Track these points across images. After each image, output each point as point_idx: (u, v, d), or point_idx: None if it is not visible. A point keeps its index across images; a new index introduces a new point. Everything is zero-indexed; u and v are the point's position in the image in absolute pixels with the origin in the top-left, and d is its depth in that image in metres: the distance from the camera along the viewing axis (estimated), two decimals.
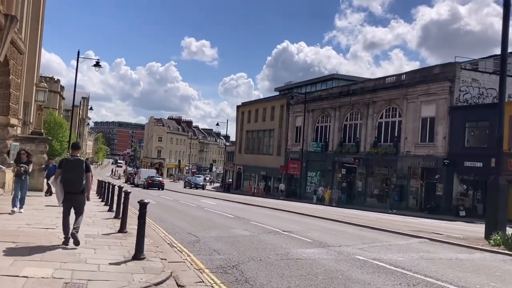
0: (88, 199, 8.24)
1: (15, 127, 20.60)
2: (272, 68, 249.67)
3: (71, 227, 7.78)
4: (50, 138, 25.01)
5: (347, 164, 37.44)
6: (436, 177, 30.11)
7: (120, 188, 12.63)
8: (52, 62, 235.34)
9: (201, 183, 59.50)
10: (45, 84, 23.71)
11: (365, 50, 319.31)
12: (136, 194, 20.17)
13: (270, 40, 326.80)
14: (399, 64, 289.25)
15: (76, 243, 7.62)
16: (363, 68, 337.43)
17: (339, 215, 18.61)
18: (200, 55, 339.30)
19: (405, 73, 34.59)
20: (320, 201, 36.38)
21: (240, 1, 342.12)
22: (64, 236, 7.87)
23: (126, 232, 10.04)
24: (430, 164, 30.83)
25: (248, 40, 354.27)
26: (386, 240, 11.06)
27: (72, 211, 7.99)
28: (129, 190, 10.44)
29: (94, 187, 26.92)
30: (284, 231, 11.93)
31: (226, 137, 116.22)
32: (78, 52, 32.40)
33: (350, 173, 38.30)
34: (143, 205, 7.32)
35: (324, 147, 42.20)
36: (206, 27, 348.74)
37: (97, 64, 32.47)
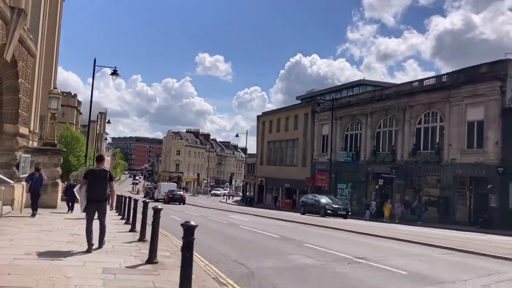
0: (112, 208, 8.90)
1: (25, 137, 18.44)
2: (285, 81, 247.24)
3: (94, 234, 8.29)
4: (64, 149, 22.83)
5: (384, 174, 34.49)
6: (488, 187, 27.01)
7: (146, 203, 10.16)
8: (69, 80, 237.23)
9: (344, 208, 30.85)
10: (58, 91, 21.66)
11: (378, 61, 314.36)
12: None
13: (283, 54, 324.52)
14: (413, 75, 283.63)
15: (101, 247, 8.49)
16: (377, 79, 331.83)
17: (403, 233, 15.73)
18: (214, 70, 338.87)
19: (447, 74, 31.74)
20: (374, 216, 32.60)
21: (252, 15, 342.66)
22: (87, 243, 8.19)
23: (156, 262, 7.53)
24: (479, 173, 27.78)
25: (261, 53, 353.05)
26: (503, 270, 8.35)
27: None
28: (159, 207, 7.94)
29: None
30: (357, 258, 9.26)
31: (244, 150, 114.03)
32: (95, 60, 30.72)
33: (385, 184, 35.32)
34: (189, 230, 4.82)
35: (355, 156, 39.38)
36: (219, 42, 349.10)
37: (114, 73, 30.76)
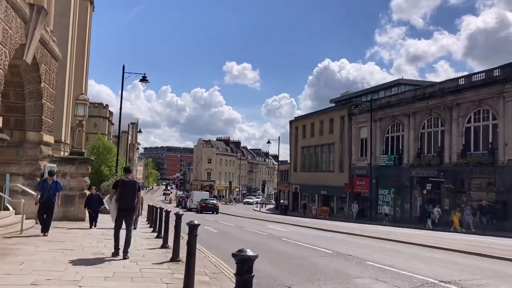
0: (138, 213, 10.06)
1: (50, 146, 17.33)
2: (314, 87, 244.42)
3: (122, 241, 8.69)
4: (92, 158, 21.73)
5: (432, 178, 31.95)
6: None
7: (179, 217, 8.59)
8: (102, 93, 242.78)
9: None
10: (85, 97, 20.59)
11: (409, 63, 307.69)
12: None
13: (311, 59, 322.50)
14: (445, 76, 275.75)
15: (126, 258, 8.56)
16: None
17: (471, 245, 13.57)
18: (242, 78, 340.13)
19: (499, 67, 29.06)
20: (437, 225, 28.62)
21: (278, 22, 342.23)
22: (114, 247, 8.81)
23: None
24: None
25: (289, 60, 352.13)
26: None
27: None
28: (196, 222, 6.32)
29: (144, 213, 23.42)
30: (443, 281, 7.35)
31: (276, 157, 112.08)
32: (123, 67, 29.91)
33: (432, 188, 32.75)
34: (246, 264, 3.14)
35: (398, 160, 36.91)
36: (246, 50, 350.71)
37: (143, 79, 30.07)
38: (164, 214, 12.19)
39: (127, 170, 9.69)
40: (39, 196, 11.96)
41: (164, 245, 10.90)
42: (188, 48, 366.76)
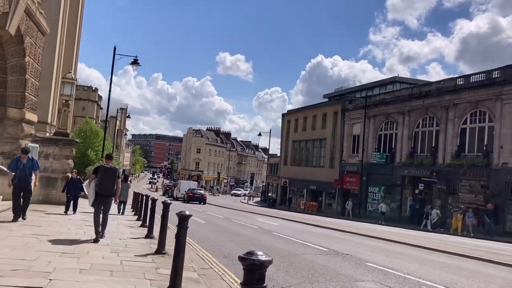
0: (115, 202, 9.57)
1: (33, 125, 16.37)
2: (306, 82, 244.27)
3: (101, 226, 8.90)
4: (77, 140, 20.79)
5: (425, 178, 31.51)
6: None
7: (166, 205, 7.85)
8: (92, 77, 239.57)
9: None
10: (73, 76, 19.60)
11: (401, 63, 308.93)
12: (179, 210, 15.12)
13: (304, 54, 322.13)
14: (437, 78, 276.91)
15: (103, 237, 8.92)
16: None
17: (487, 252, 12.92)
18: (235, 69, 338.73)
19: (499, 68, 28.60)
20: (433, 227, 27.67)
21: (274, 15, 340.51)
22: (95, 233, 8.77)
23: None
24: None
25: (282, 54, 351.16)
26: None
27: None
28: (187, 213, 5.57)
29: (129, 200, 22.61)
30: None
31: (265, 150, 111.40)
32: (115, 48, 28.88)
33: (424, 188, 32.31)
34: (257, 269, 2.40)
35: (390, 158, 36.43)
36: (240, 42, 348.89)
37: (135, 62, 29.05)
38: (150, 202, 11.43)
39: (109, 157, 9.74)
40: (12, 177, 10.33)
41: (149, 235, 10.17)
42: (181, 37, 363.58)
